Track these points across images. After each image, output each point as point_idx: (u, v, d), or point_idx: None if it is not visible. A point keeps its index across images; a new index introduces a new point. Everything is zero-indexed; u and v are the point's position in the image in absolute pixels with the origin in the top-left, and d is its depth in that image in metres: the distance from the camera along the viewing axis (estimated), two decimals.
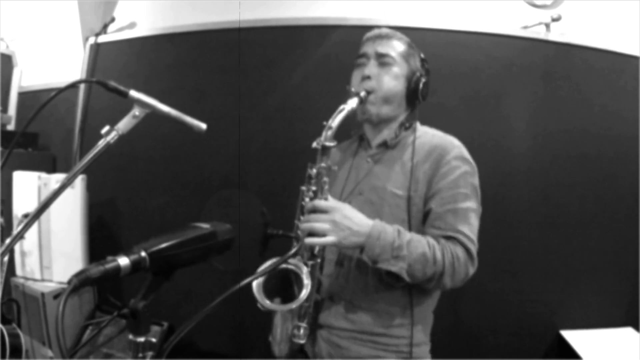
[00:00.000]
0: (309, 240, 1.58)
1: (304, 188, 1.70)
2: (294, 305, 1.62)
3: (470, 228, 1.70)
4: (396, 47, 1.86)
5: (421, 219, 1.75)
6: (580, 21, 2.99)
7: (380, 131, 1.91)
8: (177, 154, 3.28)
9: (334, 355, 1.79)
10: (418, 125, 1.93)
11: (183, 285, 2.49)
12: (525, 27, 2.98)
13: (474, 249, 1.69)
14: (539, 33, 2.96)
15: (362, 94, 1.77)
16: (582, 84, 2.94)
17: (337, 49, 2.99)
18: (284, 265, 1.66)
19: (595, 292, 2.93)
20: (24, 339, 3.00)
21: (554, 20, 2.93)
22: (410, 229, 1.72)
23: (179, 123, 1.54)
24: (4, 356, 2.85)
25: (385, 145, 1.88)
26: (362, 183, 1.86)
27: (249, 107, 3.11)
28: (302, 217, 1.65)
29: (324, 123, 1.67)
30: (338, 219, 1.58)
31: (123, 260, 0.90)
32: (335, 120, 1.67)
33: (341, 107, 1.70)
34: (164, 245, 0.97)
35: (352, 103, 1.72)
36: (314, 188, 1.67)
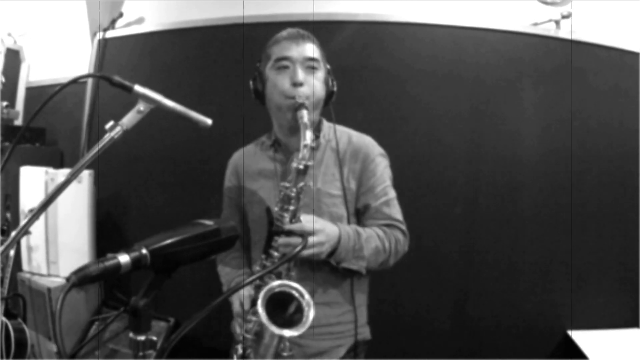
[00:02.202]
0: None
1: (277, 209, 1.71)
2: (301, 330, 1.53)
3: (399, 212, 1.92)
4: (316, 49, 1.86)
5: (352, 214, 1.88)
6: (591, 18, 2.96)
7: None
8: (185, 149, 3.28)
9: (296, 355, 1.79)
10: (337, 126, 1.97)
11: (190, 280, 2.49)
12: (535, 24, 2.96)
13: (406, 229, 1.91)
14: (549, 30, 2.94)
15: (306, 102, 1.75)
16: (592, 82, 2.92)
17: (346, 45, 2.97)
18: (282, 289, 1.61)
19: (602, 293, 2.92)
20: (29, 334, 3.01)
21: (564, 17, 2.91)
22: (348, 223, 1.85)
23: (185, 119, 1.53)
24: (9, 351, 2.85)
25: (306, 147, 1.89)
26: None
27: (256, 103, 3.10)
28: (277, 239, 1.69)
29: (305, 144, 1.66)
30: (323, 238, 1.68)
31: (123, 258, 0.89)
32: (308, 138, 1.66)
33: (301, 121, 1.70)
34: (165, 242, 0.95)
35: (305, 115, 1.71)
36: (292, 208, 1.69)
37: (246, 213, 2.00)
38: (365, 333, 1.96)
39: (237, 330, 1.80)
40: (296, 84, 1.78)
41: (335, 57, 2.92)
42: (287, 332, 1.54)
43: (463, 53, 2.94)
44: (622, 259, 2.90)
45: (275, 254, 1.69)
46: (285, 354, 1.69)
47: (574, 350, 2.72)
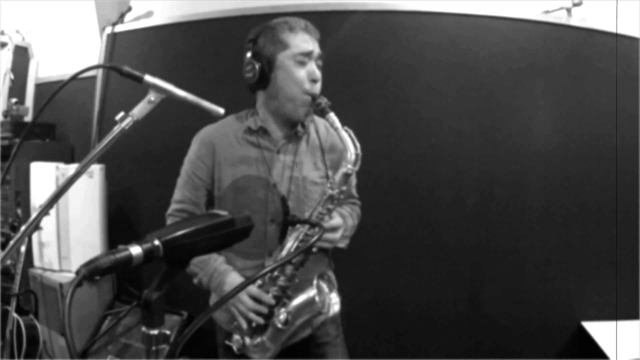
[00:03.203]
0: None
1: (320, 208, 1.82)
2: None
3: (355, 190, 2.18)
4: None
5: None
6: (602, 6, 2.92)
7: (292, 126, 1.97)
8: None
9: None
10: (316, 117, 2.03)
11: None
12: (547, 12, 2.92)
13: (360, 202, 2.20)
14: (560, 18, 2.90)
15: (325, 102, 1.81)
16: (604, 70, 2.88)
17: (355, 34, 2.95)
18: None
19: (618, 283, 2.88)
20: (41, 330, 3.01)
21: (575, 5, 2.87)
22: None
23: (197, 109, 1.51)
24: (21, 347, 2.85)
25: (295, 136, 1.97)
26: (274, 175, 1.93)
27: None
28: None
29: (356, 153, 1.77)
30: (344, 232, 1.94)
31: (135, 249, 0.86)
32: (354, 147, 1.77)
33: (340, 126, 1.77)
34: (178, 233, 0.92)
35: (336, 120, 1.78)
36: (331, 207, 1.82)
37: (219, 199, 1.98)
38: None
39: (244, 325, 1.81)
40: (315, 81, 1.86)
41: (344, 47, 2.92)
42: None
43: (473, 41, 2.91)
44: (637, 249, 2.86)
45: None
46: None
47: (588, 341, 2.71)
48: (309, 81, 1.84)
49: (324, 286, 1.83)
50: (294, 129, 1.95)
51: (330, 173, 1.95)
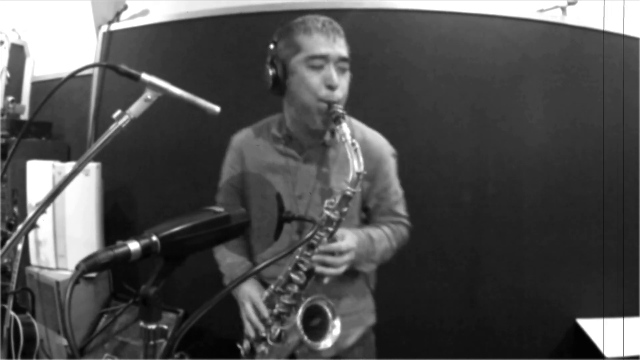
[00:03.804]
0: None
1: (315, 228, 1.64)
2: (330, 343, 1.71)
3: (404, 208, 1.97)
4: (345, 44, 1.75)
5: (361, 211, 1.91)
6: (597, 5, 2.92)
7: (318, 134, 1.82)
8: (192, 139, 3.27)
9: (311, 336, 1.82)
10: (352, 120, 1.86)
11: (198, 271, 2.48)
12: (541, 11, 2.93)
13: (408, 222, 1.98)
14: (555, 16, 2.91)
15: (340, 110, 1.65)
16: (599, 68, 2.89)
17: (351, 33, 2.95)
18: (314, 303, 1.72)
19: (612, 281, 2.89)
20: (38, 328, 3.01)
21: (570, 3, 2.88)
22: (354, 223, 1.85)
23: (193, 107, 1.52)
24: (18, 345, 2.86)
25: (323, 145, 1.84)
26: (301, 186, 1.83)
27: (264, 91, 3.09)
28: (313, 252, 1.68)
29: (357, 172, 1.61)
30: (355, 256, 1.71)
31: (133, 245, 0.87)
32: (357, 165, 1.60)
33: (345, 140, 1.62)
34: (175, 229, 0.94)
35: (346, 130, 1.62)
36: (331, 229, 1.66)
37: (249, 204, 1.93)
38: (373, 317, 2.04)
39: (252, 334, 1.77)
40: (332, 87, 1.67)
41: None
42: (322, 346, 1.69)
43: (470, 40, 2.92)
44: (632, 246, 2.88)
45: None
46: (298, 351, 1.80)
47: (583, 339, 2.72)
48: (324, 87, 1.66)
49: (328, 311, 1.72)
50: (321, 137, 1.82)
51: (363, 185, 1.74)
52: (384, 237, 1.86)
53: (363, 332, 1.95)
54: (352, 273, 1.80)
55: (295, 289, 1.69)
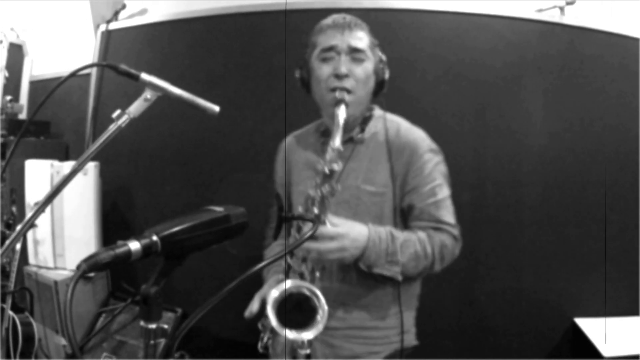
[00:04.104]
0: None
1: (301, 209, 1.64)
2: (312, 335, 1.52)
3: (451, 215, 1.78)
4: (364, 38, 1.76)
5: (398, 214, 1.77)
6: (595, 5, 2.95)
7: (348, 130, 1.79)
8: (191, 138, 3.27)
9: (328, 355, 1.78)
10: (388, 115, 1.87)
11: (196, 270, 2.49)
12: (540, 11, 2.94)
13: (457, 232, 1.78)
14: (554, 16, 2.92)
15: (347, 98, 1.66)
16: (597, 69, 2.90)
17: None
18: (296, 290, 1.60)
19: (610, 280, 2.90)
20: (37, 327, 3.01)
21: (568, 3, 2.89)
22: (386, 223, 1.73)
23: (192, 107, 1.52)
24: (16, 345, 2.86)
25: (351, 141, 1.81)
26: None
27: (262, 91, 3.09)
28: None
29: (331, 147, 1.58)
30: (346, 244, 1.57)
31: (134, 245, 0.88)
32: (337, 141, 1.58)
33: (336, 121, 1.61)
34: (176, 228, 0.94)
35: (342, 113, 1.63)
36: (316, 211, 1.60)
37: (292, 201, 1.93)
38: (409, 339, 1.86)
39: (254, 307, 1.72)
40: (339, 76, 1.69)
41: None
42: (293, 335, 1.52)
43: (468, 40, 2.92)
44: (630, 246, 2.88)
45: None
46: (302, 351, 1.61)
47: (581, 338, 2.72)
48: (333, 77, 1.69)
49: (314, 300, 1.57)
50: (350, 132, 1.81)
51: (395, 182, 1.74)
52: (413, 240, 1.67)
53: (384, 356, 1.79)
54: (368, 279, 1.71)
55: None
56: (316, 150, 1.87)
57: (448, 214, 1.77)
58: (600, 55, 2.88)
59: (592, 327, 2.73)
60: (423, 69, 2.95)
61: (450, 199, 1.80)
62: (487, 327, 2.95)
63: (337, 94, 1.67)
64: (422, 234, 1.69)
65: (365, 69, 1.74)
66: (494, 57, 2.91)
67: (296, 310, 1.59)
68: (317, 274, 1.65)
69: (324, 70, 1.73)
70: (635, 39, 2.87)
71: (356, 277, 1.73)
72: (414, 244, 1.66)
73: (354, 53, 1.72)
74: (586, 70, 2.89)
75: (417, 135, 1.83)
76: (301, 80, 1.85)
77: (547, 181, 2.90)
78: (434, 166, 1.77)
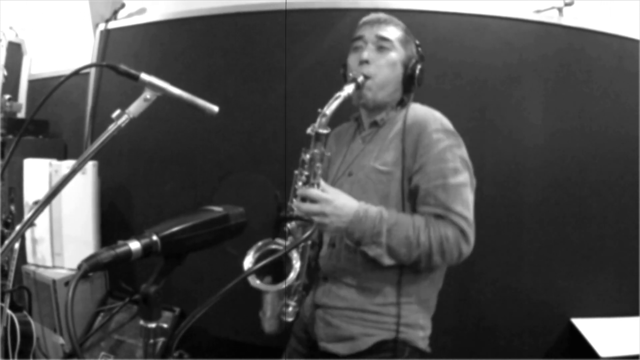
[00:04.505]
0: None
1: (297, 172, 1.70)
2: (282, 286, 1.65)
3: (463, 205, 1.63)
4: (394, 32, 1.85)
5: (407, 195, 1.72)
6: (594, 6, 2.95)
7: (374, 114, 1.88)
8: (189, 138, 3.27)
9: (329, 334, 1.80)
10: (412, 104, 1.90)
11: (195, 270, 2.49)
12: (538, 11, 2.94)
13: (467, 226, 1.61)
14: (552, 17, 2.92)
15: (360, 79, 1.73)
16: (595, 70, 2.90)
17: (349, 33, 2.96)
18: (274, 246, 1.72)
19: (607, 281, 2.90)
20: (35, 326, 3.01)
21: (566, 4, 2.88)
22: (392, 203, 1.72)
23: (191, 106, 1.53)
24: (14, 344, 2.85)
25: (376, 124, 1.88)
26: (353, 164, 1.86)
27: (262, 91, 3.09)
28: (294, 201, 1.68)
29: (319, 110, 1.65)
30: (328, 210, 1.60)
31: (134, 245, 0.89)
32: (330, 108, 1.65)
33: (337, 94, 1.68)
34: (175, 228, 0.95)
35: (348, 89, 1.70)
36: (306, 173, 1.66)
37: None
38: (408, 333, 1.75)
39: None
40: (361, 62, 1.78)
41: (337, 46, 2.93)
42: (263, 286, 1.67)
43: (464, 40, 2.92)
44: (629, 246, 2.88)
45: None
46: (285, 318, 1.78)
47: (578, 339, 2.71)
48: (357, 64, 1.80)
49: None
50: (374, 116, 1.88)
51: (404, 161, 1.71)
52: (406, 225, 1.61)
53: (376, 341, 1.72)
54: (371, 262, 1.68)
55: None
56: (350, 136, 1.99)
57: (459, 203, 1.62)
58: (599, 56, 2.88)
59: (589, 328, 2.72)
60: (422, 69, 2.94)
61: (469, 188, 1.69)
62: (485, 327, 2.95)
63: (352, 73, 1.76)
64: (419, 220, 1.62)
65: (389, 58, 1.81)
66: (493, 58, 2.90)
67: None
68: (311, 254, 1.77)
69: (352, 59, 1.85)
70: (634, 40, 2.87)
71: (360, 260, 1.73)
72: (406, 229, 1.60)
73: (381, 41, 1.81)
74: (585, 70, 2.89)
75: (430, 116, 1.80)
76: (343, 76, 1.91)
77: (546, 181, 2.90)
78: (445, 147, 1.71)
